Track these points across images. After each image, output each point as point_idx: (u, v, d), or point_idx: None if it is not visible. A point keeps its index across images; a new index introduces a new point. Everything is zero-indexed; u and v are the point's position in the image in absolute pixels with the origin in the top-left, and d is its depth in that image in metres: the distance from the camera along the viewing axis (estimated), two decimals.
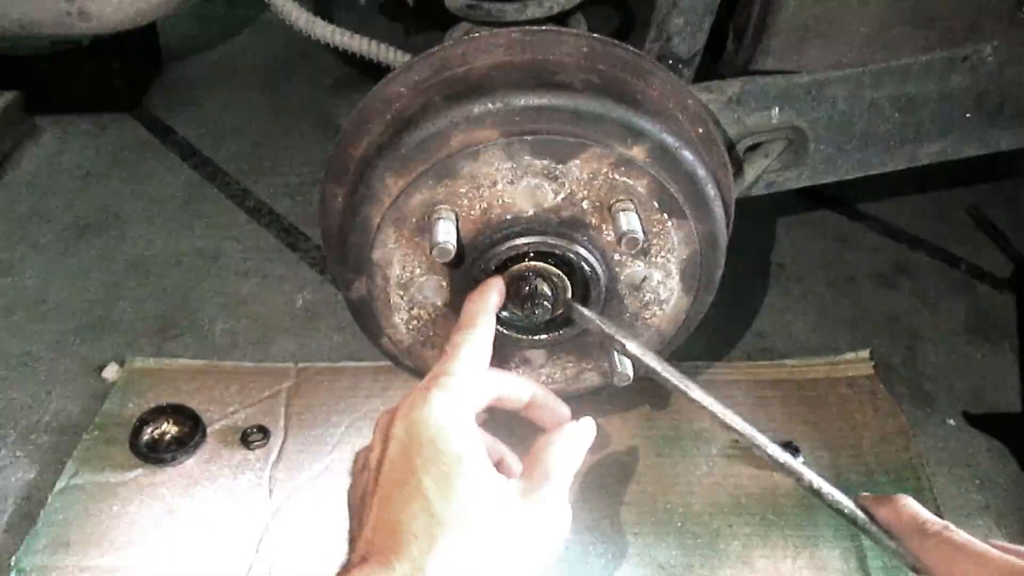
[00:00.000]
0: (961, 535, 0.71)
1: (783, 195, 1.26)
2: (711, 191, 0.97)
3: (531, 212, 0.94)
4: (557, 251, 0.94)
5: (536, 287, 0.95)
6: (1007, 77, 1.19)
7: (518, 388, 0.88)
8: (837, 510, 0.80)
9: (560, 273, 0.96)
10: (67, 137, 2.09)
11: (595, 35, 0.99)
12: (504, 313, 0.98)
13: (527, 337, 1.03)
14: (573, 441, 0.82)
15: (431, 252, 0.88)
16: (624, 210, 0.92)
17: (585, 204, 0.93)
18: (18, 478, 1.26)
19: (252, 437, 1.28)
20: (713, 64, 1.21)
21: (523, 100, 0.90)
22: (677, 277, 1.01)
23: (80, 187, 1.91)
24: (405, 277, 0.98)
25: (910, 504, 0.76)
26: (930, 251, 1.76)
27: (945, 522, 0.73)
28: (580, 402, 1.15)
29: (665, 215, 0.95)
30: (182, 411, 1.30)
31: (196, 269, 1.68)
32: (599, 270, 0.96)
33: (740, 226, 1.10)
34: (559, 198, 0.93)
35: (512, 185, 0.92)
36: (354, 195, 0.96)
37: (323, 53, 1.95)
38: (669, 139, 0.92)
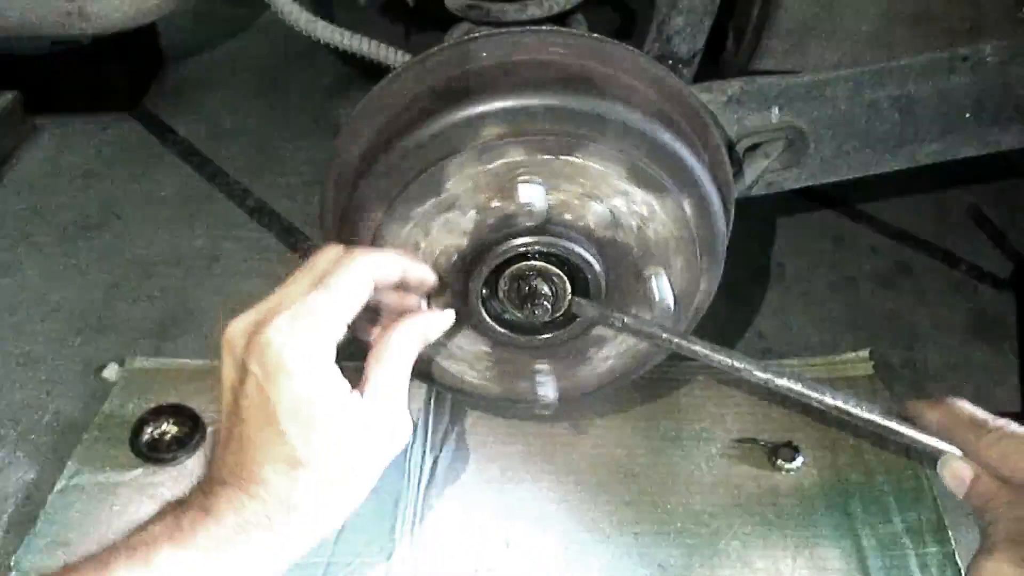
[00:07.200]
0: (1022, 428, 0.70)
1: (783, 195, 1.26)
2: (710, 189, 0.97)
3: None
4: (556, 251, 0.94)
5: (536, 287, 0.95)
6: (1007, 77, 1.19)
7: (388, 269, 0.83)
8: (871, 422, 0.77)
9: (560, 272, 0.96)
10: (67, 137, 2.08)
11: (594, 35, 0.99)
12: (504, 314, 0.98)
13: (528, 337, 1.03)
14: (408, 333, 0.82)
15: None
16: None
17: None
18: (18, 478, 1.26)
19: None
20: (713, 64, 1.21)
21: (521, 100, 0.90)
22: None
23: (80, 187, 1.91)
24: None
25: (965, 405, 0.74)
26: (930, 251, 1.76)
27: (1006, 419, 0.71)
28: (580, 401, 1.15)
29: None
30: (182, 411, 1.30)
31: (196, 269, 1.68)
32: (599, 269, 0.96)
33: (740, 226, 1.10)
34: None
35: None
36: (352, 199, 0.96)
37: (323, 53, 1.95)
38: (667, 137, 0.92)
